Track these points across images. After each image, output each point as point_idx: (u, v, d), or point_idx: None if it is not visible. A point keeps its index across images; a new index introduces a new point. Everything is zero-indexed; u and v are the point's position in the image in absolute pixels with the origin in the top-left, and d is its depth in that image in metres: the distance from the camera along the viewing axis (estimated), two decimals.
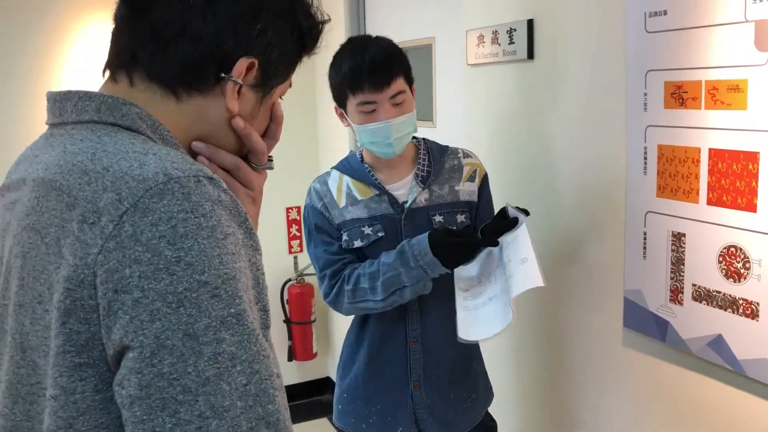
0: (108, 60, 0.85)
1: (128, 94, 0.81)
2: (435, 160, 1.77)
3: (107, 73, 0.85)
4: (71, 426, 0.69)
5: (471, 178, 1.78)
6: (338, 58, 1.68)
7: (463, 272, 1.66)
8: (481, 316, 1.56)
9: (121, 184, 0.69)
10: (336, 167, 1.82)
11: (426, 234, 1.61)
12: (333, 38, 3.58)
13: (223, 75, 0.81)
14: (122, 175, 0.70)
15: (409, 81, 1.71)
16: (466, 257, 1.63)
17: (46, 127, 0.85)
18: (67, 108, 0.81)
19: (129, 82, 0.82)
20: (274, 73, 0.86)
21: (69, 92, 0.81)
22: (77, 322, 0.68)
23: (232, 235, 0.70)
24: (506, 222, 1.62)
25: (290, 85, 0.93)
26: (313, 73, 3.63)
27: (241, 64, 0.81)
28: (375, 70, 1.60)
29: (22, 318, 0.75)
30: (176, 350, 0.64)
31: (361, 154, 1.80)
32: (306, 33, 0.89)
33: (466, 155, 1.81)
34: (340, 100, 1.70)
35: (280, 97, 0.93)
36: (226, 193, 0.73)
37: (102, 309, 0.67)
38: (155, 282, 0.65)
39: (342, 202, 1.75)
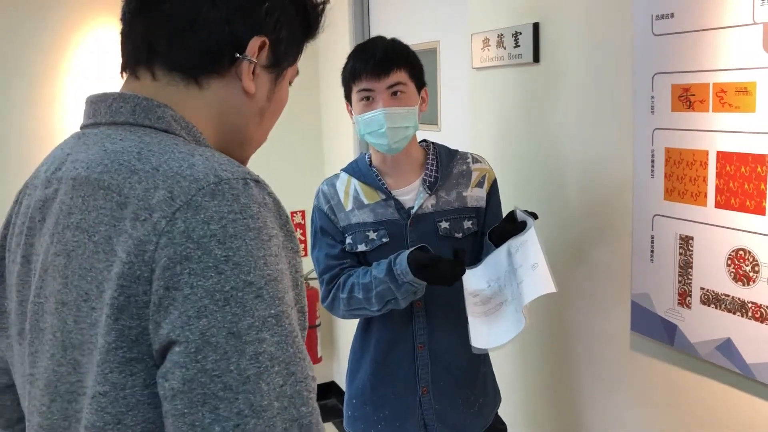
0: (124, 59, 0.86)
1: (154, 91, 0.82)
2: (443, 166, 1.77)
3: (125, 74, 0.86)
4: (120, 422, 0.70)
5: (480, 184, 1.78)
6: (350, 55, 1.73)
7: (471, 276, 1.65)
8: (493, 323, 1.55)
9: (172, 182, 0.70)
10: (345, 169, 1.82)
11: (406, 253, 1.60)
12: (338, 43, 3.61)
13: (237, 55, 0.82)
14: (173, 174, 0.71)
15: (416, 80, 1.72)
16: (447, 279, 1.60)
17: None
18: (101, 109, 0.82)
19: (152, 76, 0.83)
20: (285, 53, 0.88)
21: (104, 94, 0.83)
22: (129, 317, 0.69)
23: (275, 237, 0.72)
24: (514, 225, 1.62)
25: (298, 72, 0.95)
26: (317, 78, 3.64)
27: (254, 43, 0.83)
28: (375, 59, 1.66)
29: (64, 316, 0.76)
30: (220, 347, 0.66)
31: (370, 158, 1.80)
32: (310, 11, 0.91)
33: (476, 160, 1.81)
34: (347, 94, 1.75)
35: (290, 83, 0.94)
36: (270, 195, 0.75)
37: (152, 305, 0.68)
38: (204, 279, 0.66)
39: (349, 206, 1.75)
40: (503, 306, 1.54)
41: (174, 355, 0.66)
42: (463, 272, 1.60)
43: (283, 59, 0.88)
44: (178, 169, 0.71)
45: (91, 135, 0.81)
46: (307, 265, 3.67)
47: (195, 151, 0.75)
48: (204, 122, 0.84)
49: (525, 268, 1.49)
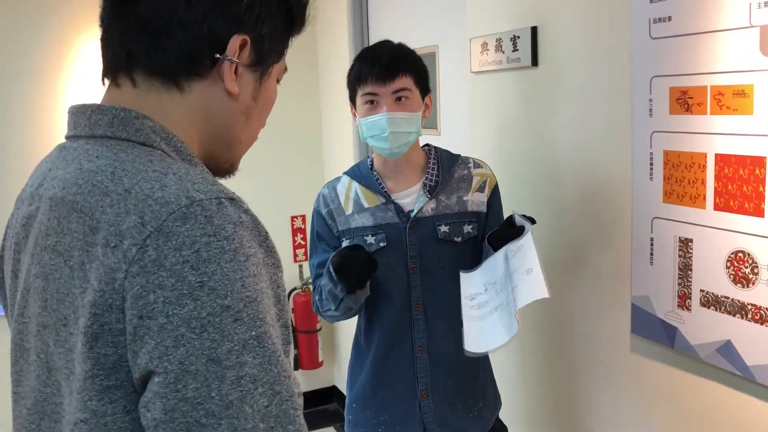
0: (104, 66, 0.84)
1: (135, 99, 0.80)
2: (444, 170, 1.77)
3: (107, 81, 0.84)
4: None
5: (480, 189, 1.78)
6: (356, 58, 1.74)
7: (469, 280, 1.65)
8: (487, 327, 1.55)
9: (143, 207, 0.68)
10: (347, 172, 1.84)
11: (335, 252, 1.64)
12: (337, 48, 3.60)
13: (217, 56, 0.79)
14: (144, 197, 0.69)
15: (421, 86, 1.73)
16: (358, 278, 1.60)
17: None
18: (81, 121, 0.80)
19: (132, 83, 0.80)
20: (268, 50, 0.85)
21: (84, 105, 0.81)
22: (105, 345, 0.68)
23: (253, 256, 0.70)
24: (512, 230, 1.62)
25: (286, 69, 0.91)
26: (317, 83, 3.64)
27: (234, 42, 0.80)
28: (381, 63, 1.66)
29: (46, 338, 0.75)
30: (200, 375, 0.65)
31: (372, 161, 1.81)
32: (293, 4, 0.87)
33: (477, 165, 1.82)
34: (352, 96, 1.75)
35: (278, 81, 0.91)
36: (246, 213, 0.73)
37: (128, 334, 0.67)
38: (179, 308, 0.65)
39: (349, 209, 1.76)
40: (498, 310, 1.54)
41: (154, 385, 0.65)
42: (374, 269, 1.61)
43: (266, 57, 0.85)
44: (149, 191, 0.69)
45: (71, 149, 0.80)
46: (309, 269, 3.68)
47: (169, 169, 0.73)
48: (188, 127, 0.81)
49: (520, 272, 1.49)
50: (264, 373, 0.67)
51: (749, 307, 1.40)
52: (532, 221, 1.61)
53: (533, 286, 1.44)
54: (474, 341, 1.56)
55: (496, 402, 1.91)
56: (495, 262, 1.62)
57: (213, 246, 0.67)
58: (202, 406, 0.64)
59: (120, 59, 0.81)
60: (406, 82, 1.68)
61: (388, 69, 1.66)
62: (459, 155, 1.84)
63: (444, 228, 1.73)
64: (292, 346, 0.78)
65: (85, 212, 0.71)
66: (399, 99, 1.68)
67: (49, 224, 0.75)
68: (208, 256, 0.66)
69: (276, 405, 0.68)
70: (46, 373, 0.76)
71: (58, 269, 0.73)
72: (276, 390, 0.68)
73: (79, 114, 0.81)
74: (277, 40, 0.86)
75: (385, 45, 1.74)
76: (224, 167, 0.90)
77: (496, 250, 1.64)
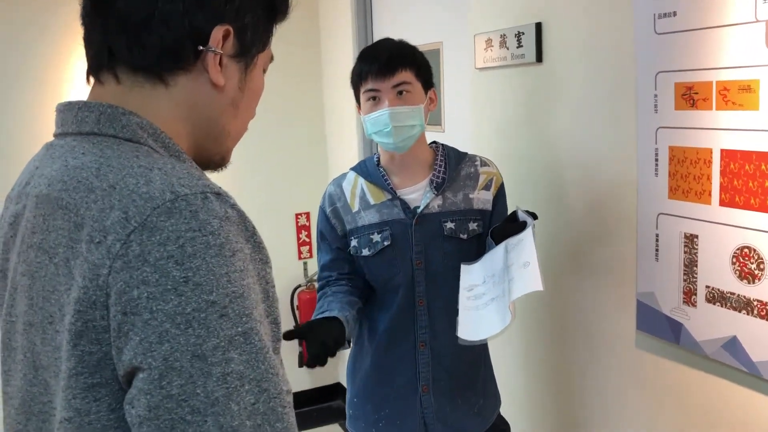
0: (88, 64, 0.83)
1: (120, 96, 0.79)
2: (451, 167, 1.78)
3: (92, 79, 0.83)
4: None
5: (487, 187, 1.79)
6: (358, 57, 1.76)
7: (469, 271, 1.66)
8: (482, 317, 1.56)
9: (128, 202, 0.68)
10: (353, 168, 1.84)
11: (324, 315, 1.66)
12: (341, 45, 3.61)
13: (201, 48, 0.79)
14: (129, 192, 0.69)
15: (423, 80, 1.74)
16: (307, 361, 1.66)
17: (51, 137, 0.85)
18: (68, 119, 0.79)
19: (115, 80, 0.80)
20: (252, 40, 0.84)
21: (71, 103, 0.80)
22: (89, 343, 0.67)
23: (240, 252, 0.69)
24: (515, 225, 1.62)
25: (272, 58, 0.90)
26: (321, 80, 3.64)
27: (217, 33, 0.79)
28: (381, 60, 1.68)
29: (33, 337, 0.75)
30: (185, 372, 0.64)
31: (379, 158, 1.81)
32: None
33: (484, 163, 1.82)
34: (356, 94, 1.77)
35: (264, 71, 0.90)
36: (233, 208, 0.72)
37: (113, 330, 0.66)
38: (164, 303, 0.64)
39: (355, 207, 1.77)
40: (494, 301, 1.54)
41: (138, 382, 0.65)
42: (322, 362, 1.63)
43: (250, 46, 0.84)
44: (134, 186, 0.69)
45: (58, 147, 0.79)
46: (314, 266, 3.68)
47: (155, 165, 0.72)
48: (174, 122, 0.81)
49: (517, 265, 1.50)
50: (251, 369, 0.67)
51: (755, 303, 1.39)
52: (534, 217, 1.62)
53: (529, 279, 1.44)
54: (467, 329, 1.56)
55: (496, 401, 1.91)
56: (495, 255, 1.63)
57: (198, 241, 0.66)
58: (187, 403, 0.64)
59: (102, 56, 0.80)
60: (406, 76, 1.69)
61: (388, 64, 1.67)
62: (466, 153, 1.84)
63: (450, 224, 1.73)
64: (281, 342, 0.77)
65: (70, 209, 0.71)
66: (400, 93, 1.69)
67: (35, 222, 0.75)
68: (193, 251, 0.65)
69: (263, 402, 0.67)
70: (32, 372, 0.75)
71: (44, 267, 0.72)
72: (263, 387, 0.67)
73: (66, 111, 0.80)
74: (259, 29, 0.85)
75: (386, 42, 1.75)
76: (215, 160, 0.89)
77: (498, 244, 1.65)
